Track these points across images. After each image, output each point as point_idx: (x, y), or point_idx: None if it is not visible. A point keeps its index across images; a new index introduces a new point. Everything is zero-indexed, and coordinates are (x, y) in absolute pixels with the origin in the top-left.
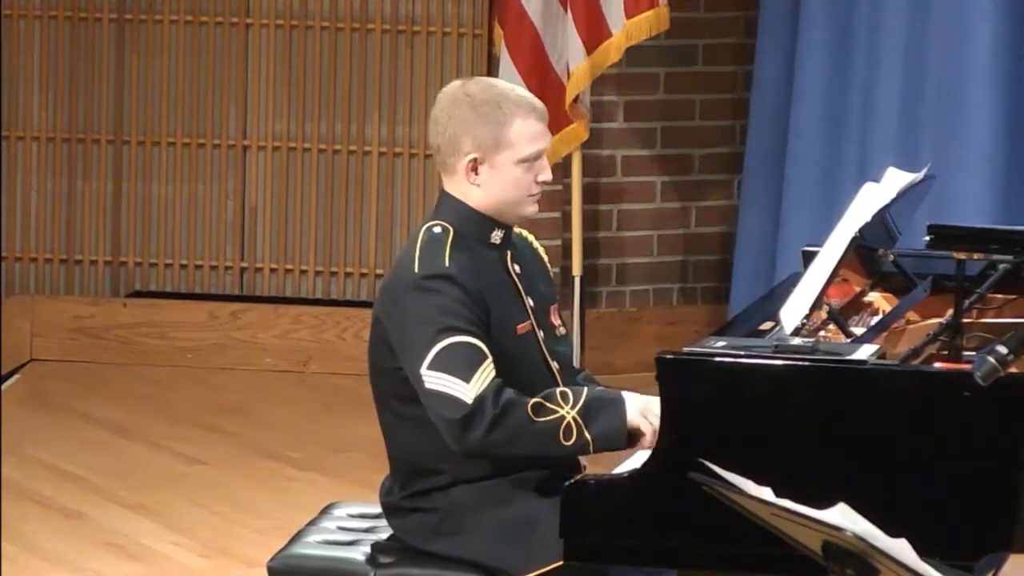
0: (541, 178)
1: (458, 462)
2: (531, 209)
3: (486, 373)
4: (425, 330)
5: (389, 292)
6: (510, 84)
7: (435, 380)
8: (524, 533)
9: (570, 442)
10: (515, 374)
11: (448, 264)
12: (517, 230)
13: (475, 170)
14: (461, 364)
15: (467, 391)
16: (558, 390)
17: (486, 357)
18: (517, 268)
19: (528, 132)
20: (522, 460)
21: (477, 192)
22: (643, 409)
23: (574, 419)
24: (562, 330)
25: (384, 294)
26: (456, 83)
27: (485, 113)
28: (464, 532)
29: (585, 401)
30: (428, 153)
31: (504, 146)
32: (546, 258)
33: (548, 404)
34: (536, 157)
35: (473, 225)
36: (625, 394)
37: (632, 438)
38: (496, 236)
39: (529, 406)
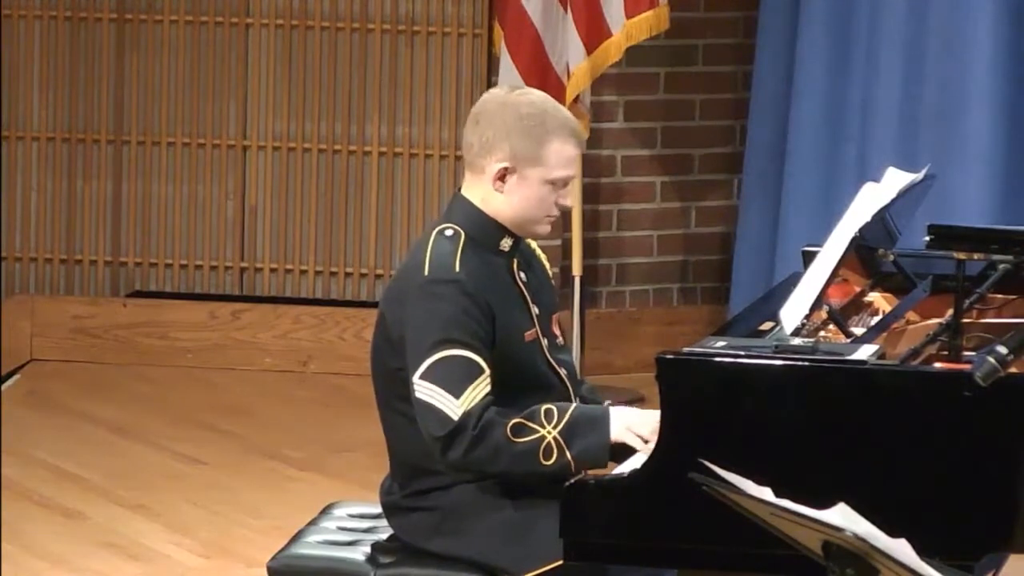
0: (563, 203)
1: None
2: (545, 229)
3: (478, 389)
4: (425, 338)
5: (396, 292)
6: (556, 103)
7: (426, 391)
8: (524, 532)
9: (550, 462)
10: (526, 380)
11: (458, 269)
12: None
13: (503, 179)
14: (454, 378)
15: (455, 407)
16: (543, 408)
17: (482, 372)
18: (523, 276)
19: (564, 156)
20: (507, 476)
21: (498, 199)
22: (630, 424)
23: (555, 439)
24: (561, 340)
25: (391, 294)
26: (504, 88)
27: (528, 126)
28: (464, 531)
29: (568, 420)
30: (428, 153)
31: (538, 162)
32: (548, 267)
33: (530, 424)
34: (564, 183)
35: (484, 231)
36: (613, 409)
37: (620, 453)
38: (506, 243)
39: (509, 427)
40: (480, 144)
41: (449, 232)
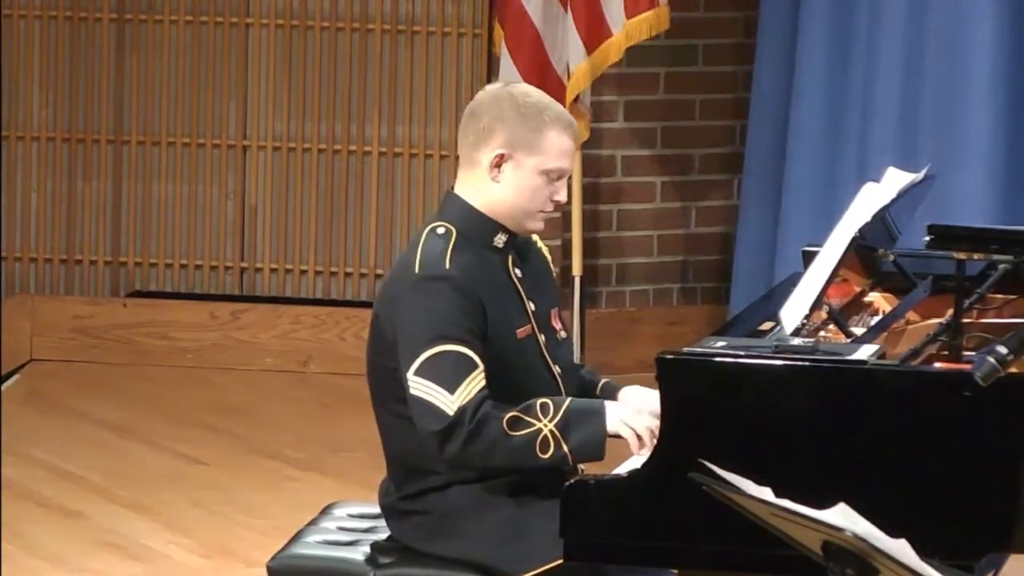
0: (556, 197)
1: None
2: (538, 225)
3: (473, 384)
4: (417, 334)
5: (389, 291)
6: (552, 99)
7: (420, 387)
8: (521, 533)
9: (547, 455)
10: (516, 378)
11: (449, 266)
12: None
13: (499, 166)
14: (448, 373)
15: (450, 402)
16: (539, 401)
17: (476, 367)
18: (518, 272)
19: (561, 146)
20: (505, 471)
21: (495, 189)
22: (625, 418)
23: (551, 432)
24: (563, 334)
25: (384, 293)
26: (499, 84)
27: (526, 114)
28: (461, 533)
29: (565, 413)
30: (428, 153)
31: (535, 150)
32: (550, 259)
33: (526, 417)
34: (559, 175)
35: (477, 227)
36: (609, 404)
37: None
38: (499, 240)
39: (505, 420)
40: (476, 135)
41: (441, 230)
